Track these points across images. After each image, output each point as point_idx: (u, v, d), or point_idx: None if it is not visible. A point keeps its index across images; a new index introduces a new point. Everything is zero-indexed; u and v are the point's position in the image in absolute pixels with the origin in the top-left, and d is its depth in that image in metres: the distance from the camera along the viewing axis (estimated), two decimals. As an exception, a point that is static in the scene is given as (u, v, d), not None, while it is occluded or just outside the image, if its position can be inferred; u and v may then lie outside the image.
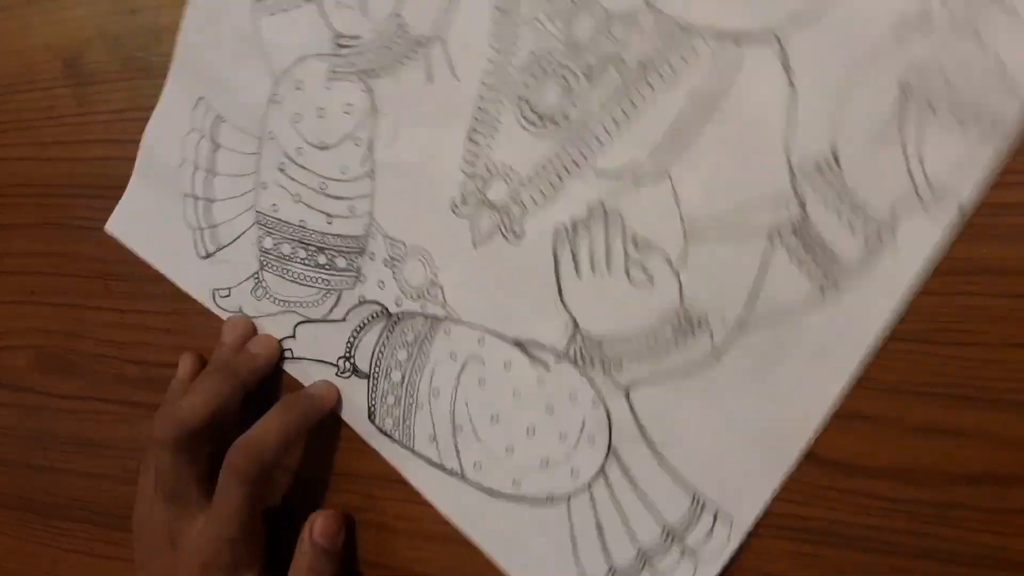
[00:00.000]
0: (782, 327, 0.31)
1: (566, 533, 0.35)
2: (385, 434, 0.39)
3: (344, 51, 0.38)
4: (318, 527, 0.39)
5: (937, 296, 0.30)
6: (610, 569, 0.34)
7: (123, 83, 0.44)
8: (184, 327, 0.44)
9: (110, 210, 0.44)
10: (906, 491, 0.31)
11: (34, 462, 0.49)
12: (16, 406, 0.49)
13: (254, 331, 0.42)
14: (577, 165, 0.34)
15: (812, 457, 0.32)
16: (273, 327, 0.41)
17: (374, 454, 0.40)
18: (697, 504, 0.33)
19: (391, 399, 0.39)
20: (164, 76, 0.42)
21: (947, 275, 0.30)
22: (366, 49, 0.37)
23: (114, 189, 0.44)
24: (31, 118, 0.47)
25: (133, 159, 0.44)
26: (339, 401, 0.40)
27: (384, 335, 0.38)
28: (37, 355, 0.48)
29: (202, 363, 0.43)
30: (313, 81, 0.39)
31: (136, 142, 0.43)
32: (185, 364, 0.43)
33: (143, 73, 0.43)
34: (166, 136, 0.43)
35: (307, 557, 0.38)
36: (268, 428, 0.38)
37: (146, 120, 0.43)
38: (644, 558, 0.34)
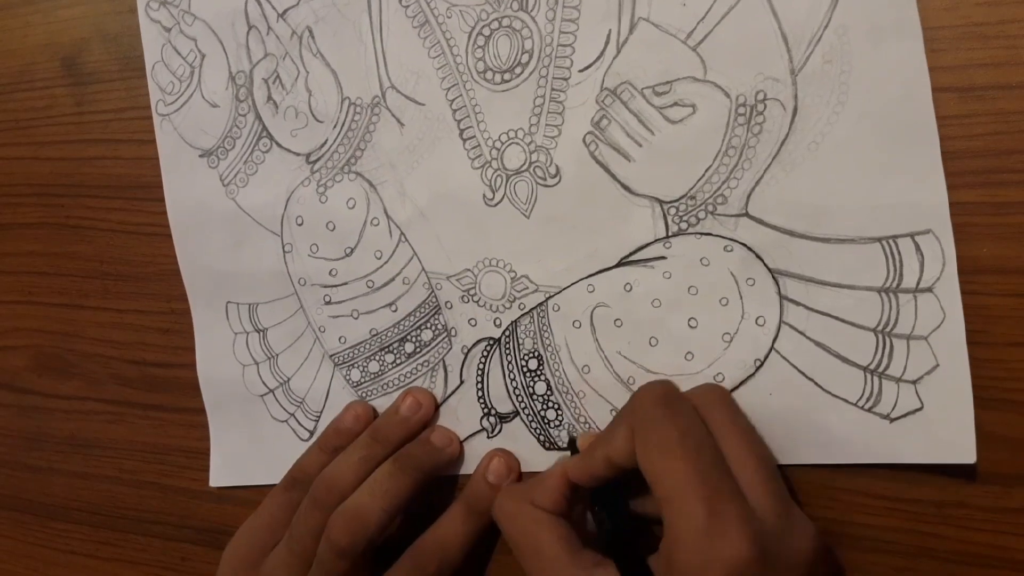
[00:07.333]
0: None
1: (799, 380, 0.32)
2: (573, 450, 0.35)
3: (319, 163, 0.39)
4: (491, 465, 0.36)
5: (937, 296, 0.30)
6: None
7: (121, 82, 0.44)
8: (182, 327, 0.44)
9: (108, 209, 0.44)
10: (906, 491, 0.31)
11: (31, 462, 0.49)
12: (13, 406, 0.49)
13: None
14: (564, 79, 0.34)
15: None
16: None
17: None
18: (891, 249, 0.30)
19: (551, 414, 0.36)
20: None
21: (947, 275, 0.30)
22: (335, 146, 0.38)
23: (112, 188, 0.44)
24: (29, 118, 0.46)
25: (131, 159, 0.44)
26: (461, 455, 0.37)
27: (505, 362, 0.36)
28: (35, 355, 0.48)
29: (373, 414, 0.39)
30: (308, 207, 0.39)
31: (134, 141, 0.43)
32: (354, 417, 0.38)
33: (141, 72, 0.43)
34: (217, 358, 0.43)
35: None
36: (374, 494, 0.34)
37: (145, 120, 0.43)
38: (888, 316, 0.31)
